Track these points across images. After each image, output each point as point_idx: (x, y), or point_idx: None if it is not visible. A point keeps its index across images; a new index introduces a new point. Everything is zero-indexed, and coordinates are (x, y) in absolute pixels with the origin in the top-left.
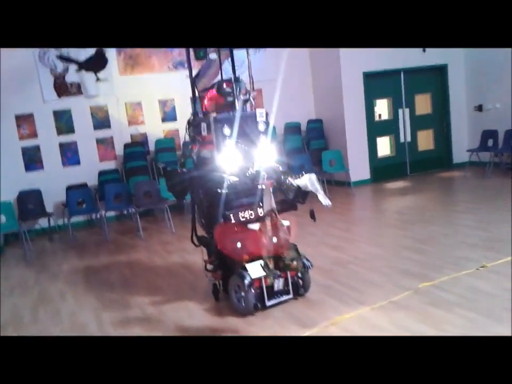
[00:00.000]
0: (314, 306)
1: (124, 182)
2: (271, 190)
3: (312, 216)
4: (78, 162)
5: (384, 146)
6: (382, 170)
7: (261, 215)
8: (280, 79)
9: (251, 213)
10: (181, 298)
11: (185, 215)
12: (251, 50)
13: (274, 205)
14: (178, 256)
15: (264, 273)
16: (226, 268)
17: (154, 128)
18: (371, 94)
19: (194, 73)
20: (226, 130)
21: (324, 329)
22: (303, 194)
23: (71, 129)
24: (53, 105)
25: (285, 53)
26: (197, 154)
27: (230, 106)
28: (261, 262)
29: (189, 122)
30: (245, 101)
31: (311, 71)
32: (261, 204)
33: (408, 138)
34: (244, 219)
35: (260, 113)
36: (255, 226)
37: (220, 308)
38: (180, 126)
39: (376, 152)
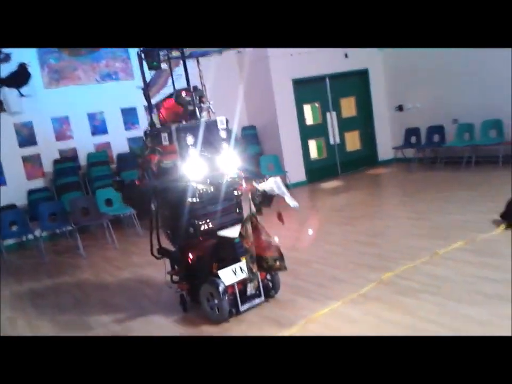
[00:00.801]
0: (286, 306)
1: (57, 200)
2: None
3: (280, 218)
4: (3, 182)
5: (314, 148)
6: (316, 172)
7: (233, 220)
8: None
9: (220, 220)
10: (144, 313)
11: (125, 229)
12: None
13: (254, 209)
14: (129, 271)
15: (236, 279)
16: (194, 277)
17: (84, 142)
18: (300, 99)
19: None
20: (189, 139)
21: (303, 327)
22: (269, 198)
23: None
24: None
25: (214, 61)
26: (157, 165)
27: (190, 115)
28: (232, 267)
29: (145, 133)
30: (204, 109)
31: (241, 79)
32: (237, 209)
33: (337, 140)
34: (213, 227)
35: (221, 120)
36: (231, 231)
37: (191, 318)
38: (111, 139)
39: (309, 154)
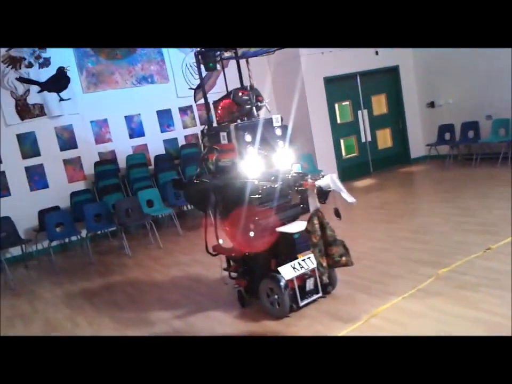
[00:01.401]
0: (346, 301)
1: (98, 201)
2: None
3: (337, 214)
4: (46, 185)
5: (346, 147)
6: (349, 170)
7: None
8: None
9: (280, 216)
10: (203, 310)
11: (166, 229)
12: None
13: (319, 205)
14: (178, 269)
15: (295, 274)
16: (253, 273)
17: (122, 145)
18: (332, 97)
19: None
20: (248, 137)
21: (366, 322)
22: (325, 194)
23: (36, 152)
24: (16, 129)
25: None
26: (215, 164)
27: (247, 114)
28: (291, 263)
29: (203, 133)
30: (260, 108)
31: (271, 79)
32: (302, 205)
33: (369, 138)
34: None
35: (276, 118)
36: (290, 227)
37: (251, 313)
38: (148, 141)
39: (341, 153)
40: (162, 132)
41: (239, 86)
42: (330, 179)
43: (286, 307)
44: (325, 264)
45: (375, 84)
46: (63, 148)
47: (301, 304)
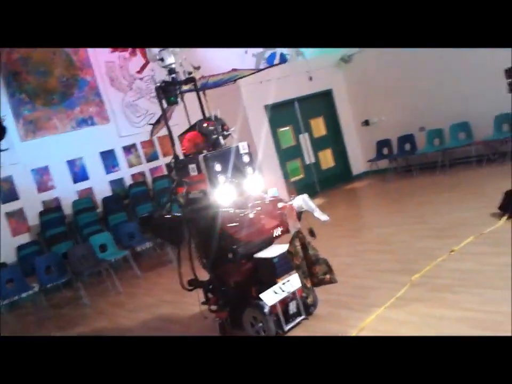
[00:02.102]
0: (330, 320)
1: (49, 252)
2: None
3: (312, 233)
4: None
5: (292, 170)
6: (297, 192)
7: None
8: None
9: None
10: None
11: (123, 273)
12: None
13: (299, 226)
14: (146, 312)
15: (278, 298)
16: (234, 303)
17: (66, 191)
18: (274, 124)
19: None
20: (218, 166)
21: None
22: (298, 215)
23: None
24: None
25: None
26: (185, 197)
27: (213, 144)
28: (273, 288)
29: (169, 166)
30: (226, 137)
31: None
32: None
33: (313, 160)
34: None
35: (242, 146)
36: (269, 252)
37: None
38: (94, 184)
39: (288, 176)
40: (107, 173)
41: (197, 118)
42: (302, 200)
43: (271, 334)
44: (309, 285)
45: (312, 108)
46: (4, 200)
47: (286, 328)
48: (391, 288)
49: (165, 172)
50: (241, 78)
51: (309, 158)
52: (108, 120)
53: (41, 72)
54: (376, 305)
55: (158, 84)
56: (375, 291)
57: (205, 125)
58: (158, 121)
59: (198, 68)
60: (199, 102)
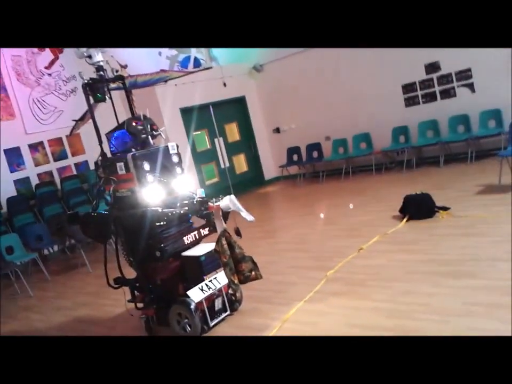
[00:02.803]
0: (254, 314)
1: None
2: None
3: (238, 233)
4: None
5: (207, 173)
6: (212, 195)
7: (202, 236)
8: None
9: (192, 237)
10: None
11: (32, 275)
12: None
13: (225, 225)
14: (61, 315)
15: (204, 295)
16: (161, 300)
17: None
18: (189, 127)
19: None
20: (146, 165)
21: (280, 328)
22: (225, 215)
23: None
24: None
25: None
26: (113, 195)
27: (142, 143)
28: (199, 286)
29: (97, 164)
30: (155, 136)
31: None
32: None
33: (227, 164)
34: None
35: (172, 146)
36: (196, 250)
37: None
38: None
39: (203, 179)
40: (12, 171)
41: (123, 117)
42: (229, 200)
43: (197, 329)
44: (236, 281)
45: (226, 113)
46: None
47: (211, 324)
48: (309, 284)
49: (74, 172)
50: (171, 79)
51: (224, 162)
52: (14, 116)
53: None
54: (297, 299)
55: (86, 81)
56: (295, 286)
57: (134, 124)
58: (82, 118)
59: (125, 67)
60: (128, 100)
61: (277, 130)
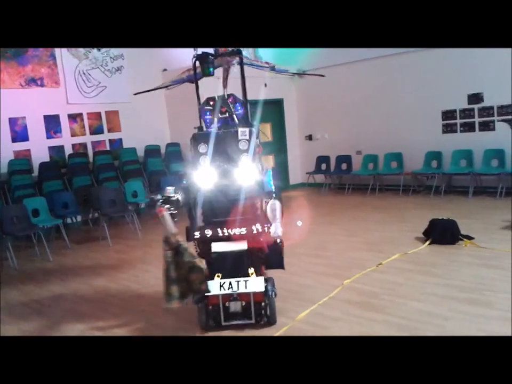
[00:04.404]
0: None
1: None
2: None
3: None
4: None
5: None
6: None
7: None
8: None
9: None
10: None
11: (53, 241)
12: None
13: (174, 230)
14: (79, 282)
15: (220, 292)
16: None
17: (3, 148)
18: None
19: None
20: (203, 147)
21: (292, 327)
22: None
23: None
24: None
25: (140, 77)
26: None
27: (224, 122)
28: (222, 281)
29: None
30: (225, 118)
31: (164, 94)
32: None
33: None
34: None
35: (242, 131)
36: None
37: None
38: (32, 146)
39: None
40: (48, 138)
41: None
42: (269, 206)
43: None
44: (175, 293)
45: (262, 113)
46: None
47: (223, 323)
48: (325, 289)
49: (108, 148)
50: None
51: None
52: (58, 84)
53: None
54: (311, 302)
55: (197, 53)
56: (311, 289)
57: (207, 102)
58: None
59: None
60: (242, 77)
61: (310, 137)
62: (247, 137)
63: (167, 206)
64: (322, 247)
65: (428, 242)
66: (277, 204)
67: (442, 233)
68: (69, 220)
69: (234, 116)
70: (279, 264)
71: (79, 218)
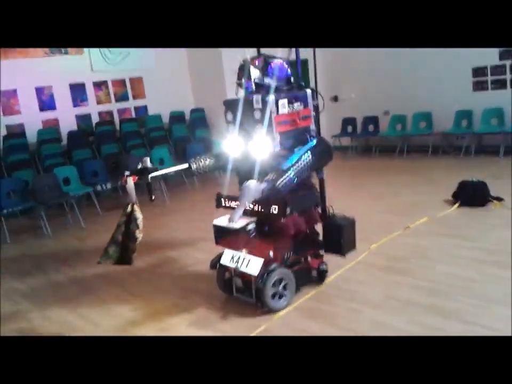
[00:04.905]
0: None
1: (9, 177)
2: None
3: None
4: None
5: None
6: None
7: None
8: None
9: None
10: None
11: (85, 209)
12: None
13: (134, 199)
14: None
15: (229, 264)
16: None
17: (32, 118)
18: None
19: None
20: (229, 115)
21: (319, 292)
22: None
23: None
24: None
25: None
26: None
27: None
28: (234, 253)
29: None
30: (257, 85)
31: (187, 59)
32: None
33: None
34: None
35: (256, 99)
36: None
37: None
38: (60, 115)
39: None
40: (75, 106)
41: None
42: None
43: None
44: (113, 254)
45: None
46: None
47: (235, 294)
48: (351, 254)
49: (133, 115)
50: None
51: None
52: (82, 51)
53: None
54: (338, 266)
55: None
56: None
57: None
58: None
59: None
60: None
61: (335, 98)
62: (260, 105)
63: (133, 175)
64: (347, 210)
65: (456, 205)
66: (251, 186)
67: (472, 195)
68: (99, 188)
69: (267, 80)
70: (337, 249)
71: (108, 185)
